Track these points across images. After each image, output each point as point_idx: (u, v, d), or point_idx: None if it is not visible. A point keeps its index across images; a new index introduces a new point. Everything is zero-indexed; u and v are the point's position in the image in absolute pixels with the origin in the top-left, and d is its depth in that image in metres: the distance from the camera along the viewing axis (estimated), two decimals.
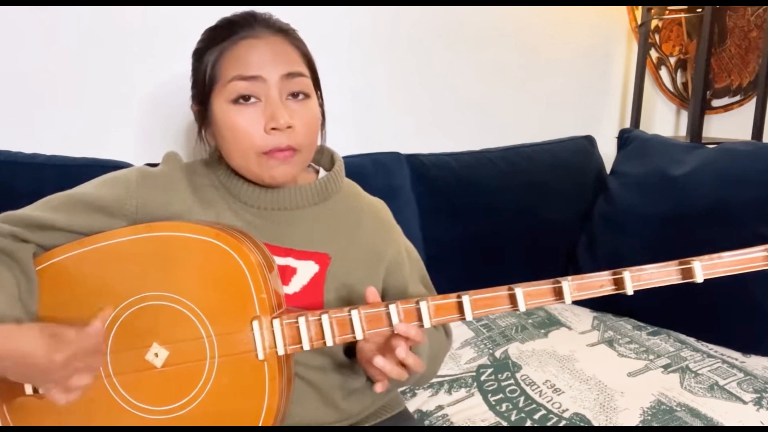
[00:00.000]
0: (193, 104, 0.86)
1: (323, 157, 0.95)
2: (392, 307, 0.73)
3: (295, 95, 0.80)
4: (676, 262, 0.72)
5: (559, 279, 0.72)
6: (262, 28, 0.81)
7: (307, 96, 0.82)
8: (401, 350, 0.72)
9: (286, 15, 0.87)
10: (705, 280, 0.71)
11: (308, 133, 0.82)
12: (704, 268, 0.71)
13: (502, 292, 0.73)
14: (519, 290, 0.72)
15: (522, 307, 0.72)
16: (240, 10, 0.83)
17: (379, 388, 0.78)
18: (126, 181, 0.83)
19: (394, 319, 0.73)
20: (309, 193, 0.87)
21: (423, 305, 0.73)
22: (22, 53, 1.20)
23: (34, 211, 0.80)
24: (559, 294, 0.72)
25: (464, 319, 0.72)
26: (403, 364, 0.74)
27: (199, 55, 0.83)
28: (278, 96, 0.79)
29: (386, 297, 0.92)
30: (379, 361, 0.73)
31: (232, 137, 0.80)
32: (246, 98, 0.78)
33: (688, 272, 0.71)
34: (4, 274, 0.73)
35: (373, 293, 0.76)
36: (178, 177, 0.86)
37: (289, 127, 0.78)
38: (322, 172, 0.92)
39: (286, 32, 0.83)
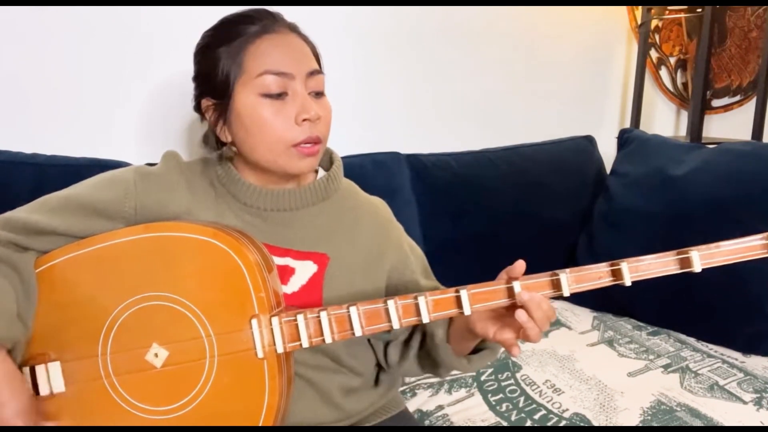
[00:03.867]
0: (205, 100, 0.84)
1: (323, 157, 0.95)
2: (390, 303, 0.73)
3: (316, 94, 0.83)
4: (674, 252, 0.71)
5: (557, 271, 0.72)
6: (278, 23, 0.82)
7: (324, 93, 0.85)
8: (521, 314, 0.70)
9: (287, 15, 0.86)
10: (705, 275, 0.70)
11: (328, 125, 0.85)
12: (702, 257, 0.70)
13: (500, 285, 0.73)
14: (517, 283, 0.72)
15: None
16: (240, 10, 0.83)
17: (515, 351, 0.74)
18: (124, 182, 0.83)
19: (393, 315, 0.73)
20: (309, 193, 0.87)
21: (421, 300, 0.73)
22: (22, 53, 1.20)
23: (32, 214, 0.79)
24: (557, 286, 0.72)
25: (463, 313, 0.72)
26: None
27: (210, 50, 0.82)
28: (304, 90, 0.81)
29: (397, 292, 0.91)
30: (522, 315, 0.70)
31: (261, 129, 0.80)
32: (278, 94, 0.79)
33: (686, 262, 0.71)
34: (3, 286, 0.73)
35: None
36: (177, 176, 0.86)
37: (318, 117, 0.80)
38: (321, 172, 0.92)
39: (297, 31, 0.85)
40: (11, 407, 0.70)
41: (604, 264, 0.72)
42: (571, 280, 0.72)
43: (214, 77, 0.81)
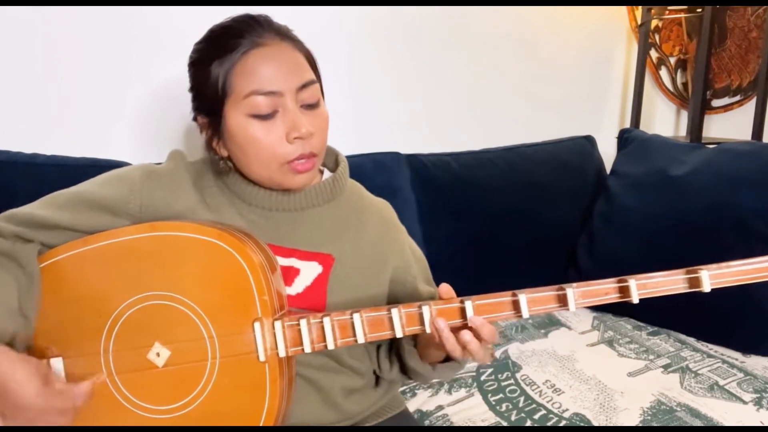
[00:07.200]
0: (199, 116, 0.83)
1: (328, 158, 0.94)
2: (394, 311, 0.73)
3: (309, 105, 0.81)
4: (683, 270, 0.70)
5: (564, 285, 0.71)
6: (267, 33, 0.79)
7: (318, 102, 0.82)
8: (466, 333, 0.72)
9: (286, 15, 0.86)
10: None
11: (324, 137, 0.83)
12: (712, 277, 0.69)
13: (505, 297, 0.72)
14: (522, 297, 0.71)
15: (525, 313, 0.71)
16: (234, 11, 0.82)
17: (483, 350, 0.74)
18: (130, 180, 0.83)
19: (396, 324, 0.73)
20: (315, 194, 0.87)
21: (425, 310, 0.72)
22: (22, 54, 1.20)
23: (38, 209, 0.80)
24: (563, 301, 0.71)
25: (467, 324, 0.72)
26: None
27: (201, 66, 0.80)
28: (295, 105, 0.79)
29: (396, 298, 0.91)
30: (466, 335, 0.71)
31: (254, 149, 0.79)
32: (267, 114, 0.78)
33: (695, 281, 0.69)
34: (5, 280, 0.73)
35: (446, 290, 0.74)
36: (183, 175, 0.86)
37: (311, 134, 0.79)
38: (327, 173, 0.92)
39: (288, 37, 0.82)
40: (30, 388, 0.67)
41: (611, 280, 0.71)
42: (578, 295, 0.71)
43: (204, 94, 0.80)
